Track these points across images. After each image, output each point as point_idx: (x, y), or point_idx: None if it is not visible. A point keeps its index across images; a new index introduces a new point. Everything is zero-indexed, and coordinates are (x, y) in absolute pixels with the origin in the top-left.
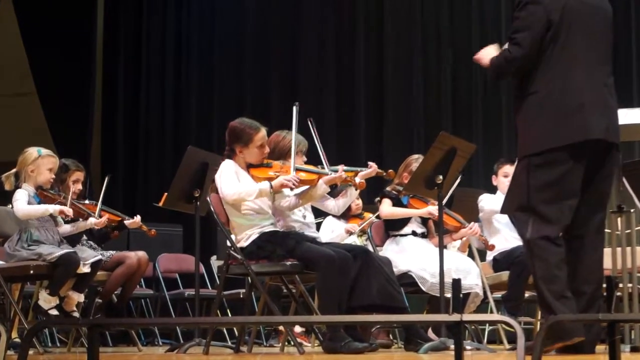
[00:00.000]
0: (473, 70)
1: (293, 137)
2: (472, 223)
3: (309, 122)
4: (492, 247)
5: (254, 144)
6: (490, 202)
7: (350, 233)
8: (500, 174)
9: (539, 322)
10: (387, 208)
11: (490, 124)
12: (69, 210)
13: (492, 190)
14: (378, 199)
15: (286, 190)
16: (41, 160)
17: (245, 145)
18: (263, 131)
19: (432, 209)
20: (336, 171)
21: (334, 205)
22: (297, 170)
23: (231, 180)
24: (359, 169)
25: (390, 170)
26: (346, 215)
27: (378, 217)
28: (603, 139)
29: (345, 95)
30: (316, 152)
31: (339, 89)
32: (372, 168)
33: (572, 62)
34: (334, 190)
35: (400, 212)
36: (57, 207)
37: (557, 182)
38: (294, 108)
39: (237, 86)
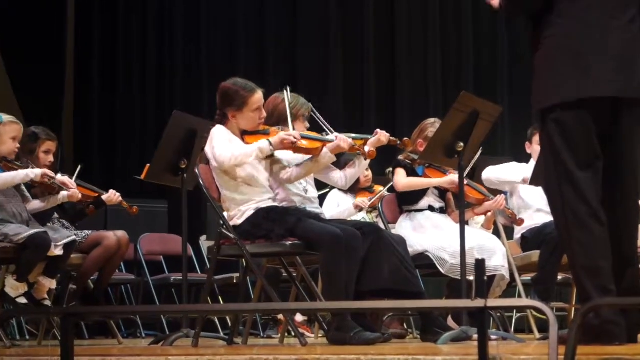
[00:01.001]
0: (497, 20)
1: (288, 113)
2: (498, 195)
3: (312, 109)
4: (520, 222)
5: (249, 108)
6: (488, 172)
7: (360, 209)
8: (534, 142)
9: (573, 309)
10: (402, 179)
11: (518, 83)
12: (52, 172)
13: (522, 159)
14: (390, 169)
15: (285, 157)
16: (3, 128)
17: (238, 109)
18: (259, 93)
19: (455, 177)
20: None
21: (340, 177)
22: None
23: (225, 144)
24: (369, 136)
25: (406, 139)
26: (354, 188)
27: (390, 190)
28: (614, 96)
29: (352, 51)
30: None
31: (345, 44)
32: (378, 135)
33: (588, 5)
34: (340, 159)
35: (418, 182)
36: (39, 171)
37: (579, 141)
38: (285, 92)
39: (229, 41)
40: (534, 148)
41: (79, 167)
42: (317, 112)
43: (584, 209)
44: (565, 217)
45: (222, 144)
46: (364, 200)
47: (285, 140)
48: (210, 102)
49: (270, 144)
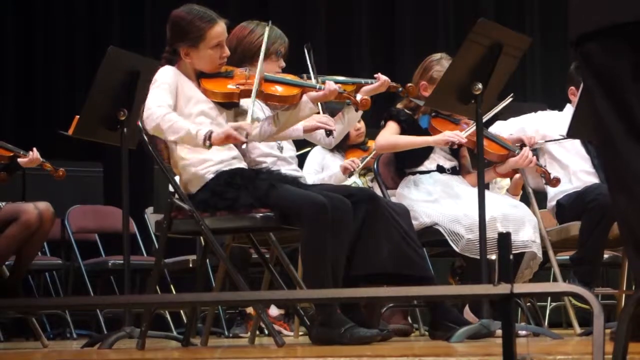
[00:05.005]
0: None
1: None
2: (525, 148)
3: (305, 50)
4: (556, 182)
5: (207, 44)
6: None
7: (349, 172)
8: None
9: (624, 295)
10: (384, 136)
11: (552, 6)
12: None
13: (557, 104)
14: (383, 121)
15: (257, 113)
16: None
17: (194, 45)
18: (221, 25)
19: (450, 134)
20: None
21: (324, 133)
22: (271, 82)
23: (162, 96)
24: (362, 80)
25: (410, 85)
26: (343, 145)
27: None
28: None
29: None
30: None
31: None
32: (380, 81)
33: None
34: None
35: (404, 141)
36: None
37: (619, 86)
38: (305, 50)
39: None
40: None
41: None
42: (312, 61)
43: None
44: (625, 183)
45: (157, 94)
46: (354, 160)
47: (231, 138)
48: (156, 36)
49: (209, 137)
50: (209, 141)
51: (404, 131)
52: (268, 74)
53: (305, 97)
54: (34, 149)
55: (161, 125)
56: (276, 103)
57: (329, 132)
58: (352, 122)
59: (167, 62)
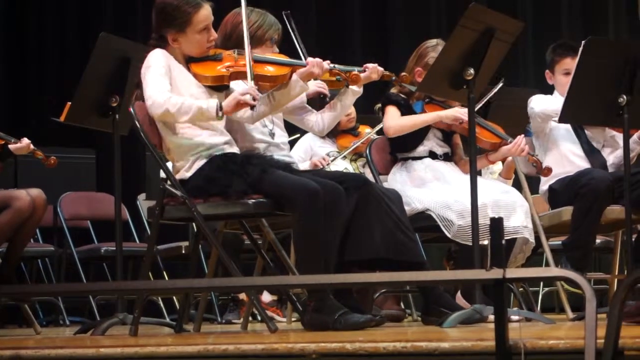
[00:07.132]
0: None
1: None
2: (519, 137)
3: (285, 17)
4: (547, 172)
5: (194, 29)
6: (544, 103)
7: (319, 168)
8: (558, 70)
9: (616, 280)
10: (394, 119)
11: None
12: None
13: (549, 90)
14: (379, 106)
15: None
16: None
17: (181, 30)
18: (207, 8)
19: (462, 111)
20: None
21: (316, 119)
22: (260, 62)
23: (160, 81)
24: (355, 69)
25: (404, 74)
26: (334, 131)
27: (380, 132)
28: None
29: None
30: (293, 49)
31: None
32: (370, 69)
33: None
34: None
35: (412, 120)
36: None
37: None
38: (285, 17)
39: None
40: (558, 79)
41: None
42: (294, 29)
43: None
44: None
45: (156, 81)
46: (324, 158)
47: (241, 103)
48: (148, 22)
49: (221, 108)
50: (221, 112)
51: (402, 115)
52: (257, 54)
53: (295, 76)
54: (26, 139)
55: (170, 110)
56: (267, 83)
57: (323, 96)
58: (345, 107)
59: (155, 47)
